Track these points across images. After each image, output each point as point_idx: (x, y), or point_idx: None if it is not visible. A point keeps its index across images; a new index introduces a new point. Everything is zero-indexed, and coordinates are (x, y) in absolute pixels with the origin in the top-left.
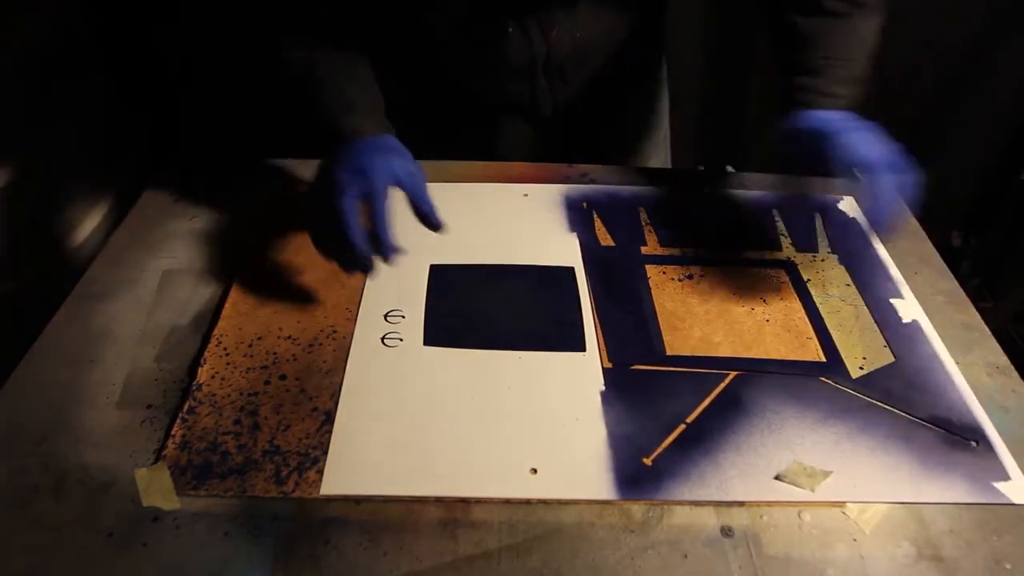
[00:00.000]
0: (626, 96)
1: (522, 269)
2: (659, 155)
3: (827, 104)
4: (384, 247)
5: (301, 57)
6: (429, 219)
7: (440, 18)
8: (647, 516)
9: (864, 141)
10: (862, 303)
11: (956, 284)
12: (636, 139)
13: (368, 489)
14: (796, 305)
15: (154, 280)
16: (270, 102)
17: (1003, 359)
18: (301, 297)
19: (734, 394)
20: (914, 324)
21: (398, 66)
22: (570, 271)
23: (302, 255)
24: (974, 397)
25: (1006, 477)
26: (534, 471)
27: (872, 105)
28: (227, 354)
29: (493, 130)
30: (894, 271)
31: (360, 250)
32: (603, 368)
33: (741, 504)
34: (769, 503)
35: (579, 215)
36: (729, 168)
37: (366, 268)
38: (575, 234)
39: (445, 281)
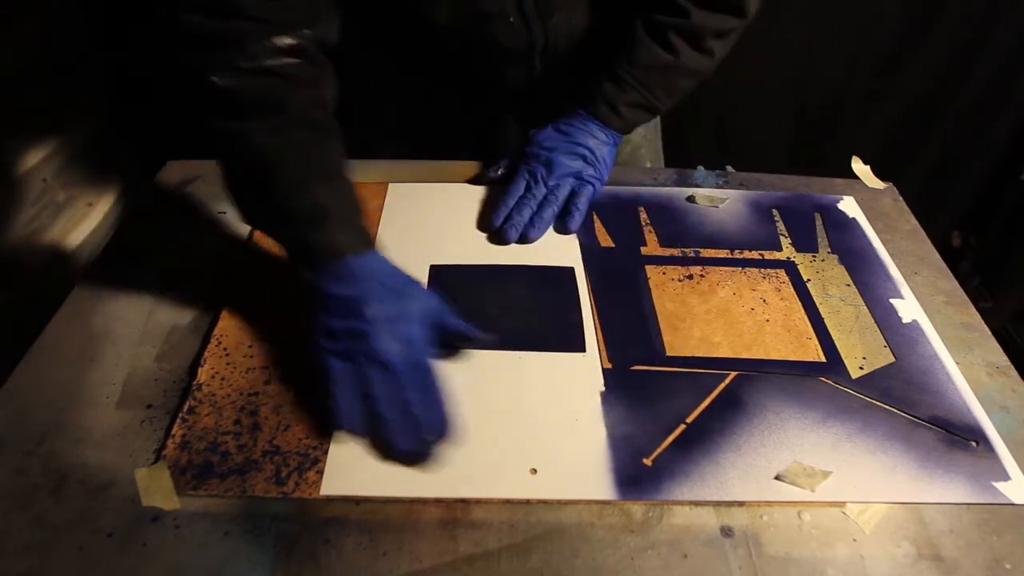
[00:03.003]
0: None
1: (522, 269)
2: (650, 146)
3: (603, 113)
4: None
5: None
6: (472, 339)
7: (442, 7)
8: (647, 516)
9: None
10: (862, 303)
11: (956, 284)
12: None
13: (368, 489)
14: (796, 305)
15: (154, 280)
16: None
17: (1003, 359)
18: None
19: (734, 394)
20: (914, 324)
21: (394, 46)
22: (570, 271)
23: None
24: (974, 397)
25: (1006, 477)
26: (534, 471)
27: (872, 105)
28: (227, 354)
29: (492, 130)
30: (894, 271)
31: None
32: (603, 369)
33: (741, 504)
34: (769, 503)
35: None
36: (729, 168)
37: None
38: (575, 234)
39: (445, 281)
